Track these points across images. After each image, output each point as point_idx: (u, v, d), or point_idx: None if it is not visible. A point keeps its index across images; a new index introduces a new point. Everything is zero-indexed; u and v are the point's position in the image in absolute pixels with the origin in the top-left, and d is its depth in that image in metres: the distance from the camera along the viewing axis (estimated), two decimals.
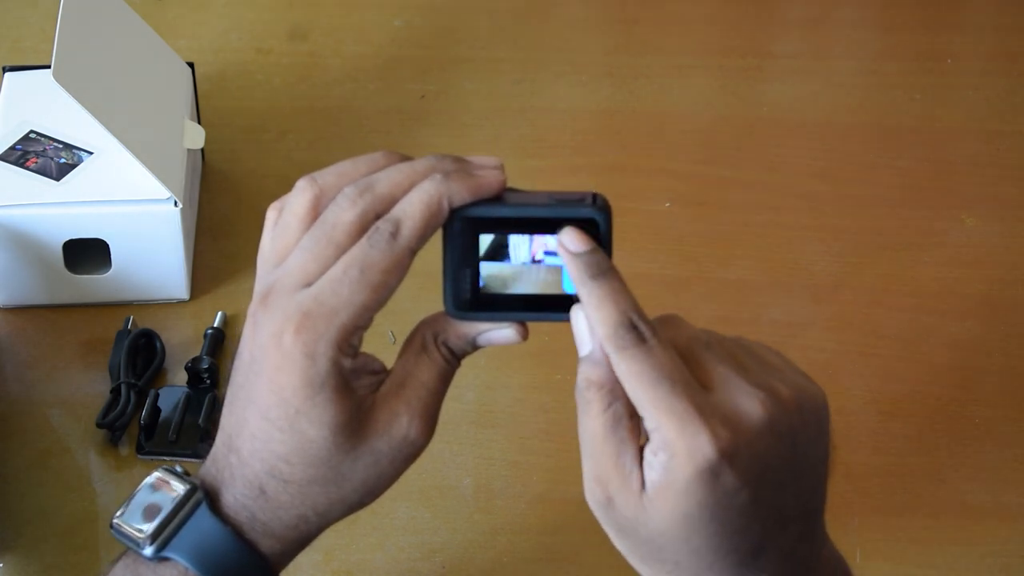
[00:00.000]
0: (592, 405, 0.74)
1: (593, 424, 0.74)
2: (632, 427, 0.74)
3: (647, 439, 0.73)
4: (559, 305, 0.78)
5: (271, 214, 0.80)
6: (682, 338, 0.75)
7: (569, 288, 0.77)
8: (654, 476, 0.72)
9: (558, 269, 0.77)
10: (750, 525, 0.73)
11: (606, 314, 0.74)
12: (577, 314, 0.76)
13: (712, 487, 0.71)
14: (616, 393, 0.74)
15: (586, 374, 0.75)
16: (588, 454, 0.74)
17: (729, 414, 0.72)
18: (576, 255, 0.76)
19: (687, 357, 0.74)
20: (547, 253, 0.77)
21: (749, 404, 0.73)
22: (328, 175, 0.78)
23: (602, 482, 0.74)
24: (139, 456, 1.12)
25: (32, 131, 1.21)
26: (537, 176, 1.31)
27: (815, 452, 0.75)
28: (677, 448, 0.71)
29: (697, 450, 0.71)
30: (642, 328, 0.74)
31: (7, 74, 1.26)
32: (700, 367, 0.74)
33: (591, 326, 0.75)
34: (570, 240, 0.76)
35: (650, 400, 0.72)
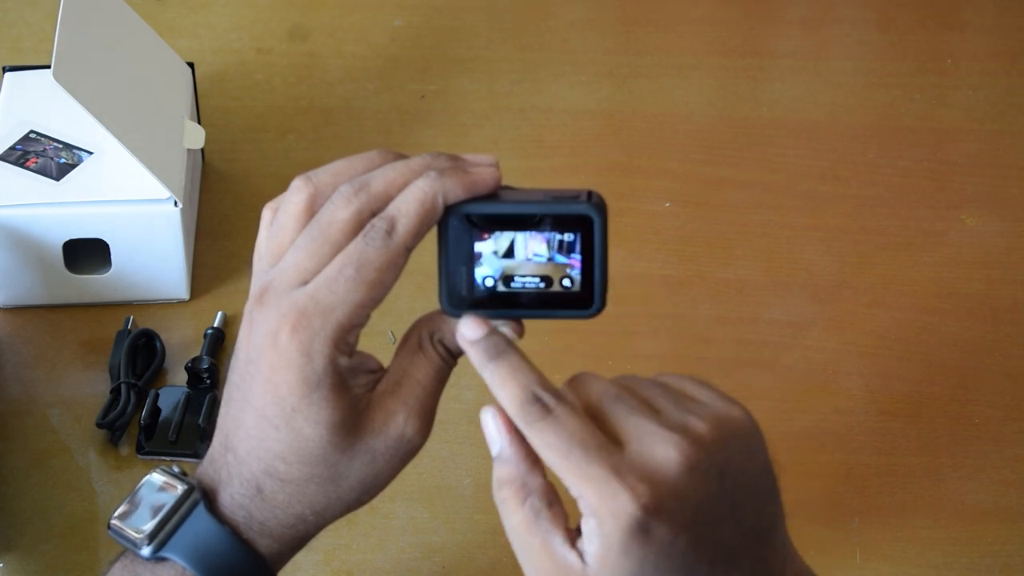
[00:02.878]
0: (508, 503, 0.75)
1: (515, 521, 0.74)
2: (553, 515, 0.74)
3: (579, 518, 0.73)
4: (555, 302, 0.78)
5: (267, 213, 0.80)
6: (592, 396, 0.75)
7: (565, 283, 0.78)
8: (591, 548, 0.72)
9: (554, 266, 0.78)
10: (697, 567, 0.73)
11: (509, 392, 0.74)
12: (484, 415, 0.76)
13: (646, 542, 0.71)
14: (528, 487, 0.74)
15: (497, 475, 0.76)
16: (520, 552, 0.74)
17: (646, 467, 0.72)
18: (474, 343, 0.76)
19: (598, 415, 0.74)
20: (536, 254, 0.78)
21: (664, 451, 0.72)
22: (323, 174, 0.79)
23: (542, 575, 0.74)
24: (139, 456, 1.12)
25: (32, 131, 1.21)
26: (537, 176, 1.31)
27: (749, 477, 0.75)
28: (601, 513, 0.71)
29: (620, 510, 0.71)
30: (546, 399, 0.74)
31: (7, 74, 1.26)
32: (612, 423, 0.74)
33: (500, 403, 0.75)
34: (468, 328, 0.77)
35: (567, 469, 0.72)
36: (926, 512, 1.09)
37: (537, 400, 0.74)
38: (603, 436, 0.73)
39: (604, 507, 0.71)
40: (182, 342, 1.19)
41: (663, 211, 1.29)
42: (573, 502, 0.73)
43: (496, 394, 0.75)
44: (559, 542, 0.73)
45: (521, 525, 0.74)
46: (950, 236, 1.27)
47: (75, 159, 1.19)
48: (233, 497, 0.79)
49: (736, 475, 0.74)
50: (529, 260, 0.78)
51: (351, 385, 0.77)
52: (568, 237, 0.77)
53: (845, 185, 1.31)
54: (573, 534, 0.73)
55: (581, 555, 0.72)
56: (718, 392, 0.77)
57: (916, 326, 1.21)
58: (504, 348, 0.76)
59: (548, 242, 0.77)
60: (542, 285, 0.78)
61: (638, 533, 0.71)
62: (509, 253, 0.78)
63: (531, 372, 0.75)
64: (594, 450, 0.72)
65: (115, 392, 1.14)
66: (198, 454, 1.10)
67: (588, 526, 0.72)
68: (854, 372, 1.17)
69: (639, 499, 0.71)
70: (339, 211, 0.77)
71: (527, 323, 0.79)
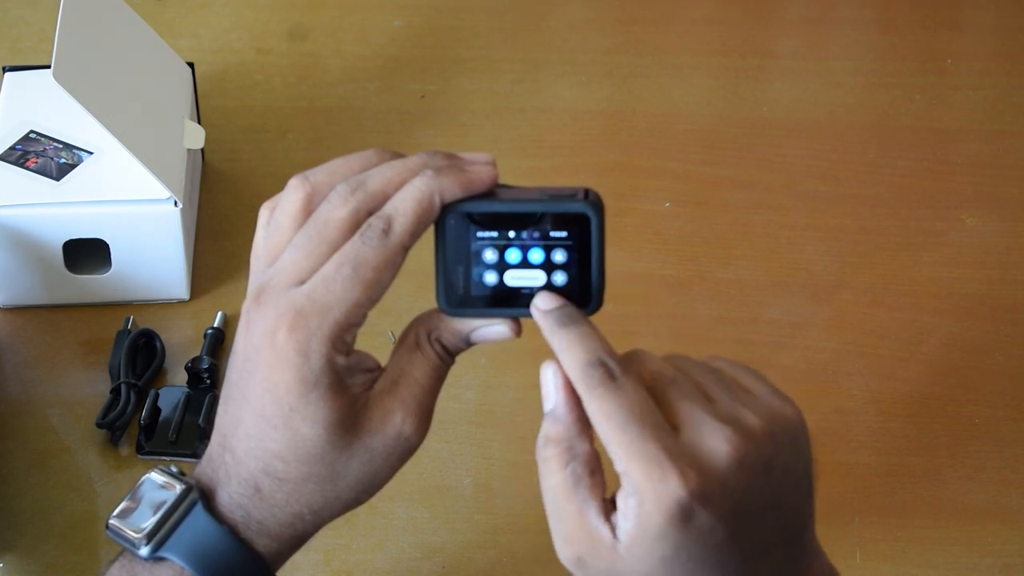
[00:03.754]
0: (550, 463, 0.74)
1: (553, 482, 0.74)
2: (593, 484, 0.74)
3: (616, 489, 0.73)
4: None
5: (264, 213, 0.80)
6: (647, 374, 0.75)
7: (559, 280, 0.78)
8: (627, 524, 0.72)
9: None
10: (729, 560, 0.73)
11: (575, 354, 0.74)
12: (544, 370, 0.76)
13: (686, 528, 0.71)
14: (574, 451, 0.74)
15: (545, 431, 0.75)
16: (552, 514, 0.74)
17: (697, 455, 0.72)
18: (547, 312, 0.76)
19: (653, 394, 0.74)
20: (536, 249, 0.78)
21: (716, 443, 0.72)
22: (320, 173, 0.79)
23: (570, 542, 0.73)
24: (139, 456, 1.12)
25: (32, 131, 1.21)
26: (537, 176, 1.31)
27: (792, 476, 0.75)
28: (646, 493, 0.71)
29: (667, 494, 0.71)
30: (611, 365, 0.73)
31: (7, 74, 1.26)
32: (666, 405, 0.74)
33: (564, 367, 0.74)
34: (543, 301, 0.77)
35: (619, 443, 0.72)
36: (926, 512, 1.09)
37: (602, 364, 0.73)
38: (661, 416, 0.73)
39: (650, 487, 0.71)
40: (182, 342, 1.19)
41: (663, 211, 1.29)
42: (612, 474, 0.72)
43: (561, 358, 0.74)
44: (594, 513, 0.73)
45: (559, 487, 0.74)
46: (950, 236, 1.27)
47: (75, 159, 1.19)
48: (231, 496, 0.79)
49: (781, 472, 0.74)
50: (526, 258, 0.78)
51: (349, 384, 0.77)
52: (565, 235, 0.77)
53: (845, 185, 1.31)
54: (608, 506, 0.73)
55: (614, 529, 0.72)
56: (771, 386, 0.77)
57: (916, 326, 1.20)
58: (577, 317, 0.76)
59: (545, 240, 0.77)
60: (539, 284, 0.78)
61: (679, 518, 0.71)
62: (506, 251, 0.78)
63: (600, 339, 0.75)
64: (651, 428, 0.72)
65: (115, 392, 1.14)
66: (198, 454, 1.10)
67: (627, 504, 0.71)
68: (854, 372, 1.17)
69: (687, 484, 0.71)
70: (336, 210, 0.77)
71: (526, 322, 0.79)
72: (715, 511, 0.71)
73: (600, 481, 0.74)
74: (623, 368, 0.73)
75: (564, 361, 0.74)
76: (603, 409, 0.72)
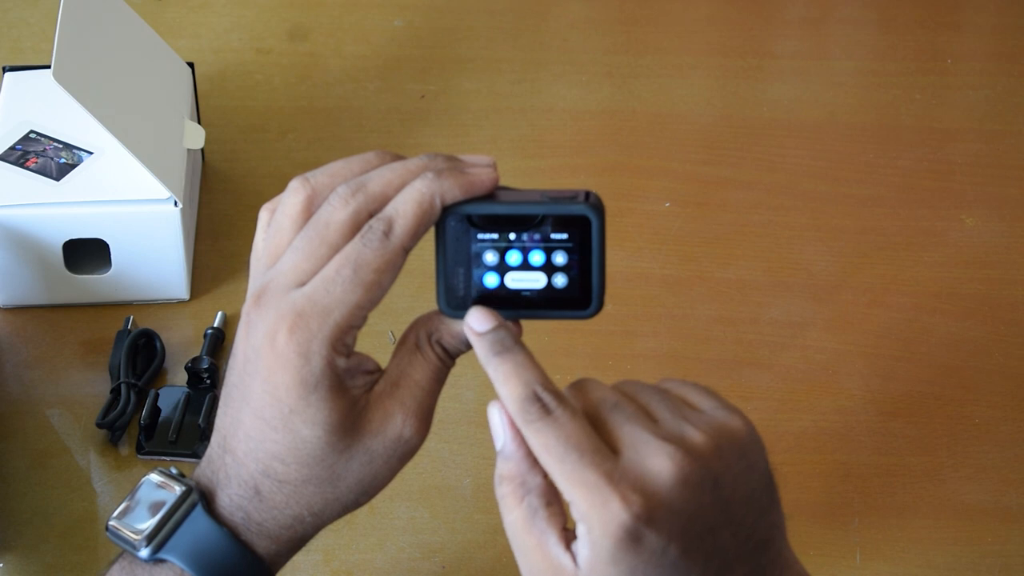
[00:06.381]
0: (507, 499, 0.75)
1: (512, 518, 0.75)
2: (551, 514, 0.74)
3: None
4: (553, 303, 0.78)
5: (264, 215, 0.80)
6: (590, 403, 0.75)
7: (560, 282, 0.78)
8: (583, 552, 0.72)
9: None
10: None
11: (511, 389, 0.75)
12: (491, 410, 0.76)
13: (637, 551, 0.71)
14: (528, 485, 0.75)
15: (499, 469, 0.76)
16: (516, 548, 0.75)
17: (639, 476, 0.72)
18: (481, 335, 0.76)
19: (596, 421, 0.74)
20: (537, 251, 0.78)
21: (658, 462, 0.72)
22: (321, 175, 0.79)
23: (535, 574, 0.74)
24: (139, 456, 1.12)
25: (32, 131, 1.21)
26: (537, 176, 1.31)
27: (745, 487, 0.74)
28: (591, 519, 0.71)
29: (611, 519, 0.71)
30: (547, 399, 0.74)
31: (7, 74, 1.26)
32: (608, 430, 0.74)
33: (502, 402, 0.75)
34: (475, 320, 0.77)
35: (561, 473, 0.72)
36: (926, 512, 1.09)
37: (537, 400, 0.74)
38: (600, 442, 0.73)
39: (594, 514, 0.71)
40: (182, 342, 1.19)
41: (663, 211, 1.29)
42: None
43: (498, 390, 0.75)
44: (554, 542, 0.73)
45: (518, 522, 0.74)
46: (950, 236, 1.27)
47: (75, 159, 1.19)
48: (231, 498, 0.79)
49: (732, 486, 0.74)
50: (527, 260, 0.78)
51: (349, 386, 0.77)
52: (566, 237, 0.77)
53: (845, 185, 1.31)
54: (569, 535, 0.74)
55: (574, 557, 0.73)
56: (720, 400, 0.77)
57: (916, 326, 1.21)
58: (510, 344, 0.76)
59: (546, 242, 0.78)
60: (540, 286, 0.78)
61: (628, 541, 0.71)
62: (507, 254, 0.78)
63: (535, 370, 0.75)
64: (589, 455, 0.72)
65: (115, 392, 1.14)
66: (198, 454, 1.10)
67: (580, 531, 0.72)
68: (854, 372, 1.17)
69: (630, 508, 0.71)
70: (336, 212, 0.77)
71: (525, 323, 0.79)
72: (663, 531, 0.72)
73: (558, 511, 0.74)
74: (558, 399, 0.74)
75: (501, 395, 0.75)
76: (542, 442, 0.73)
